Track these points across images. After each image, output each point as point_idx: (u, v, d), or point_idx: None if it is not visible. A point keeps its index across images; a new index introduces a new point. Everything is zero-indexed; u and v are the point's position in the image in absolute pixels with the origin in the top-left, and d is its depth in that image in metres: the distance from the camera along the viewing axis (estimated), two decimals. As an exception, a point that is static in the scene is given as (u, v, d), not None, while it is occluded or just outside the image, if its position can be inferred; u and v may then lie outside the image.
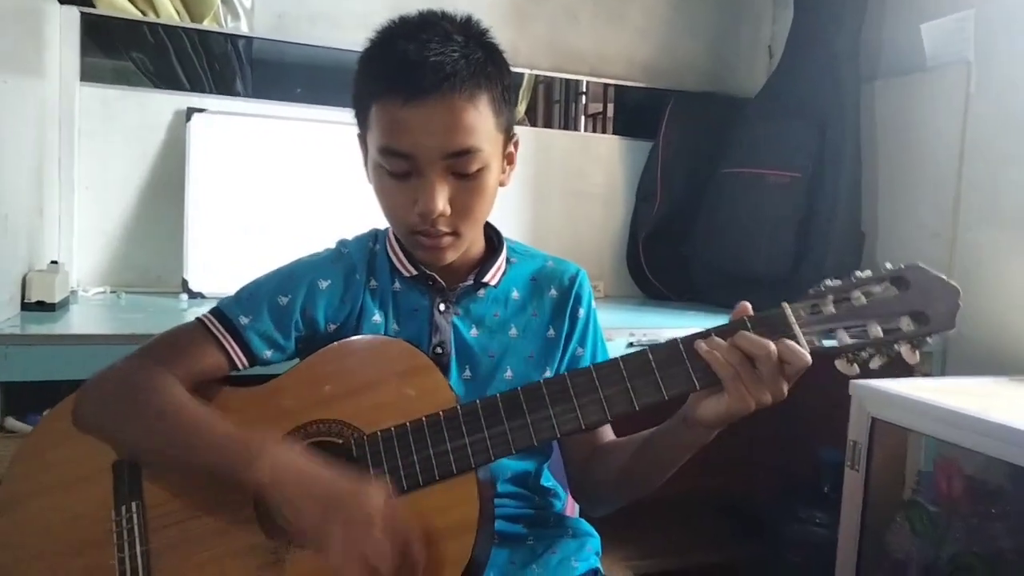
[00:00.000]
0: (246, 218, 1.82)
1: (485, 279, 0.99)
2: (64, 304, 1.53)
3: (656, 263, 2.26)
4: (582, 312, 1.03)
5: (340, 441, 0.86)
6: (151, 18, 1.87)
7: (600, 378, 0.82)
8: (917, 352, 0.80)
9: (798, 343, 0.78)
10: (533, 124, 2.36)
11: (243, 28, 1.98)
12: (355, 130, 0.96)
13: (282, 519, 0.78)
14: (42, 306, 1.44)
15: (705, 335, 0.81)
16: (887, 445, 1.49)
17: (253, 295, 0.96)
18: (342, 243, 1.03)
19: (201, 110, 1.83)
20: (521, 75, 2.24)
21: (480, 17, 0.93)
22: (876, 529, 1.49)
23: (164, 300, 1.74)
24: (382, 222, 0.98)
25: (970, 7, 1.80)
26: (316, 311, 0.97)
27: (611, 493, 1.01)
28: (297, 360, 0.95)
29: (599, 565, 1.03)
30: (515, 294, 1.02)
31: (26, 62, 1.54)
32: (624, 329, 1.54)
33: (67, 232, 1.78)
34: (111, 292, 1.79)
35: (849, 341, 0.79)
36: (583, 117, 2.45)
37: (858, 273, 0.82)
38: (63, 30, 1.75)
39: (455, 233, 0.91)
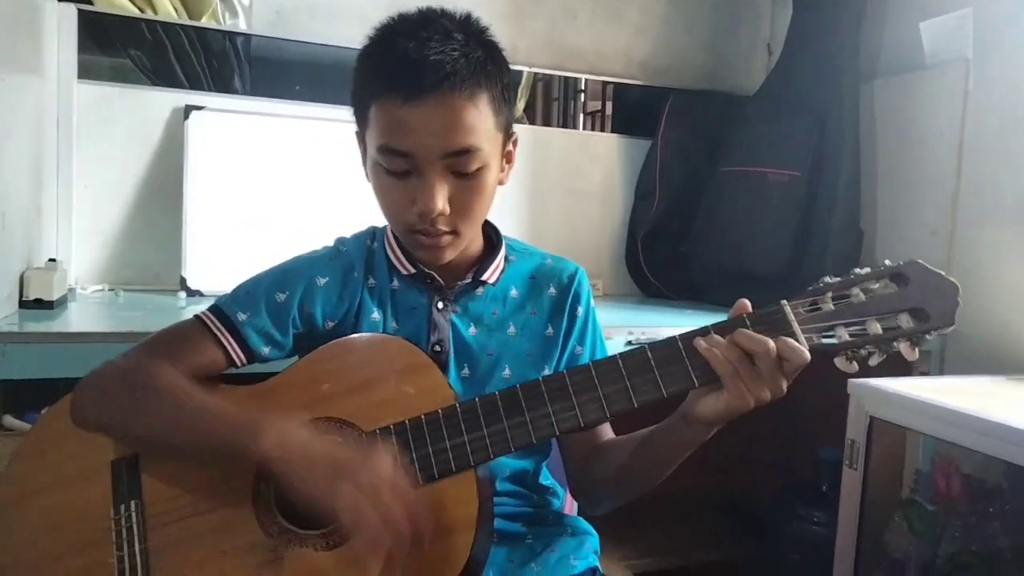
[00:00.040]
0: (245, 216, 1.82)
1: (484, 277, 0.99)
2: (62, 302, 1.53)
3: (655, 261, 2.26)
4: (581, 310, 1.03)
5: (340, 440, 0.86)
6: (149, 15, 1.87)
7: (599, 376, 0.82)
8: (916, 349, 0.80)
9: (797, 340, 0.78)
10: (532, 122, 2.36)
11: (241, 25, 1.98)
12: (353, 128, 0.96)
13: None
14: (40, 304, 1.44)
15: (704, 332, 0.81)
16: (885, 444, 1.49)
17: (251, 292, 0.96)
18: (340, 241, 1.03)
19: (199, 108, 1.83)
20: (520, 73, 2.24)
21: (479, 14, 0.92)
22: (874, 528, 1.50)
23: (162, 298, 1.74)
24: (381, 220, 0.98)
25: (969, 5, 1.80)
26: (314, 308, 0.97)
27: (610, 491, 1.01)
28: (295, 358, 0.95)
29: (598, 563, 1.03)
30: (514, 292, 1.02)
31: (23, 59, 1.54)
32: (623, 328, 1.54)
33: (65, 230, 1.77)
34: (109, 290, 1.79)
35: (848, 338, 0.79)
36: (582, 115, 2.45)
37: (857, 270, 0.82)
38: (60, 27, 1.74)
39: (454, 232, 0.91)
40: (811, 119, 1.96)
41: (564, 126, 2.42)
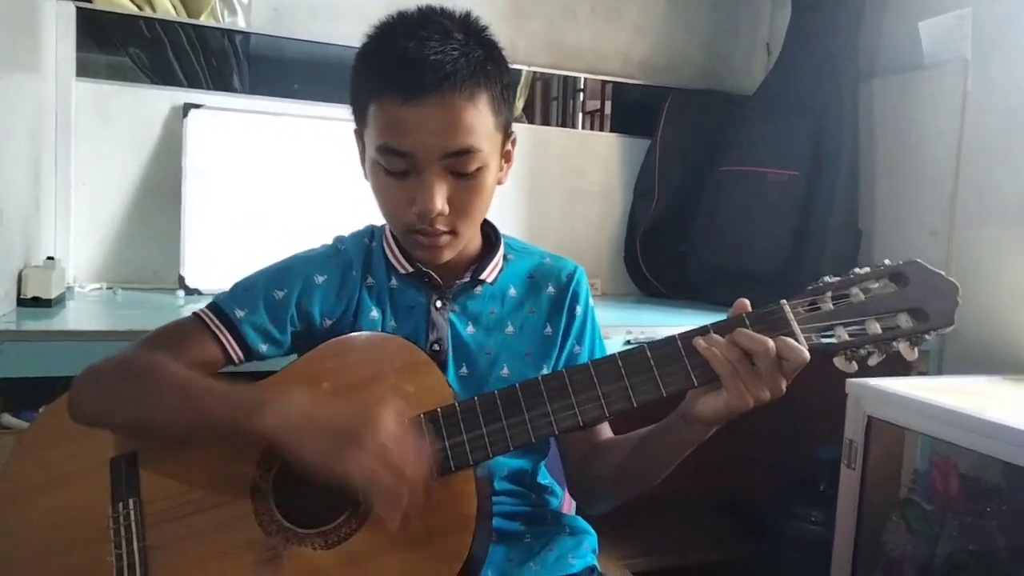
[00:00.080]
0: (243, 215, 1.82)
1: (482, 276, 0.99)
2: (60, 300, 1.52)
3: (654, 261, 2.26)
4: (579, 309, 1.03)
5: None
6: (148, 13, 1.86)
7: (598, 375, 0.81)
8: (916, 349, 0.80)
9: (796, 340, 0.78)
10: (531, 121, 2.36)
11: (240, 23, 1.97)
12: (352, 126, 0.96)
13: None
14: (38, 302, 1.44)
15: (703, 332, 0.80)
16: (883, 444, 1.50)
17: (249, 289, 0.96)
18: (338, 240, 1.03)
19: (198, 106, 1.82)
20: (519, 72, 2.23)
21: (478, 13, 0.92)
22: (872, 527, 1.50)
23: (161, 296, 1.74)
24: (379, 219, 0.98)
25: (968, 5, 1.80)
26: (312, 305, 0.97)
27: (609, 490, 1.01)
28: (294, 356, 0.95)
29: (596, 563, 1.03)
30: (512, 291, 1.01)
31: (21, 57, 1.53)
32: (621, 327, 1.54)
33: (63, 228, 1.77)
34: (107, 288, 1.79)
35: (848, 338, 0.79)
36: (581, 114, 2.45)
37: (857, 270, 0.81)
38: (59, 25, 1.74)
39: (453, 232, 0.91)
40: (810, 119, 1.96)
41: (563, 125, 2.42)
